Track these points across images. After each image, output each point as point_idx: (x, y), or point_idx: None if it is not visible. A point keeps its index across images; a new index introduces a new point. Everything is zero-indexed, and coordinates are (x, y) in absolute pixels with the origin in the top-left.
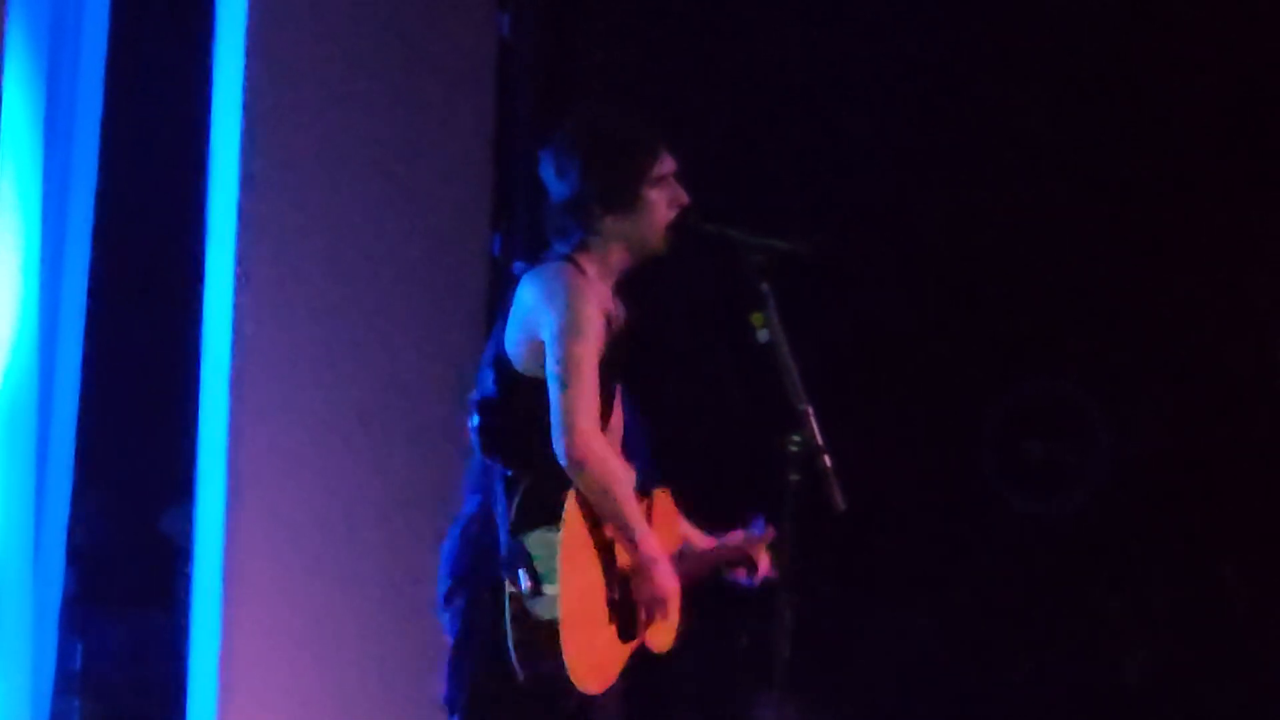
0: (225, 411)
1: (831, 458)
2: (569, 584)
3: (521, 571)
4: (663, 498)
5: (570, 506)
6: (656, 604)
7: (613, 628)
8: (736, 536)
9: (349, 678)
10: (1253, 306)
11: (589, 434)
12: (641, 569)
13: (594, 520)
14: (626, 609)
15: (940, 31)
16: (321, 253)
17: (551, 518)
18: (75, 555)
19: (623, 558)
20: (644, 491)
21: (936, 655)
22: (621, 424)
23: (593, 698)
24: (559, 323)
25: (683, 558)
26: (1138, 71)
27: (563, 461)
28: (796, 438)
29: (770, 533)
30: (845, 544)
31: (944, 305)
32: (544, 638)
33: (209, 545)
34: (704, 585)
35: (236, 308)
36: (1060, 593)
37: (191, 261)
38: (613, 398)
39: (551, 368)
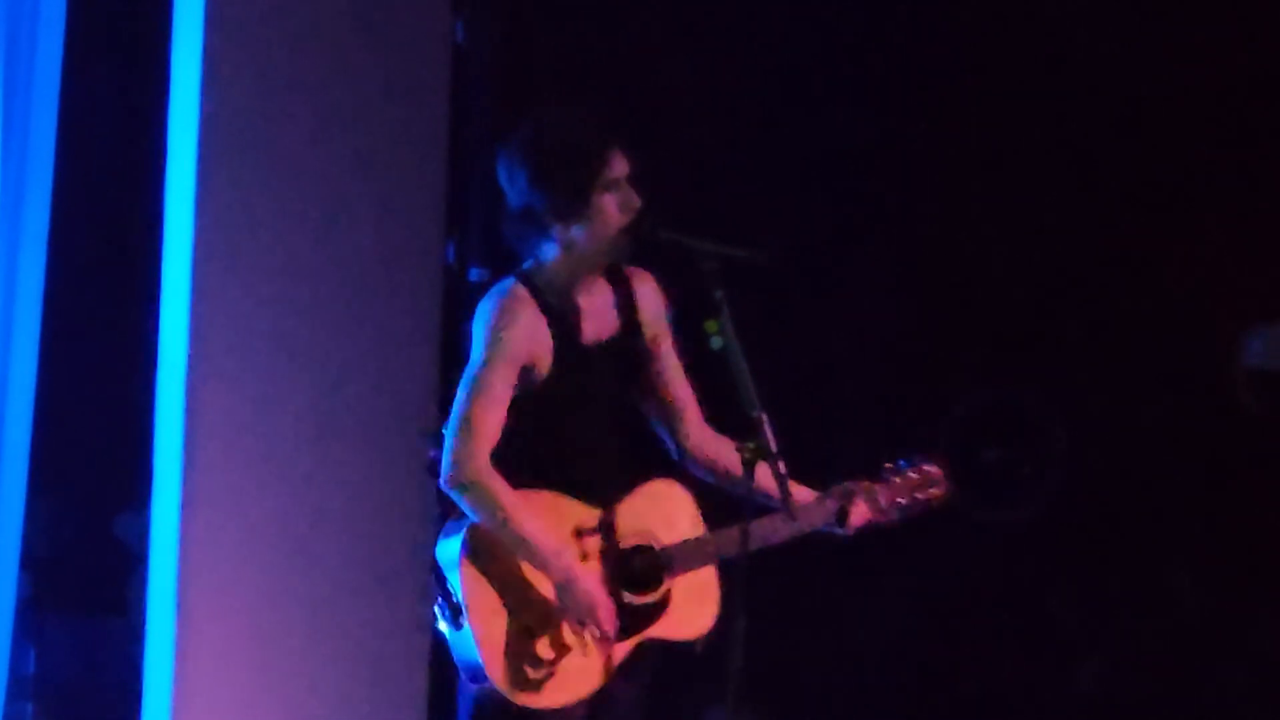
0: (181, 417)
1: (785, 465)
2: (486, 608)
3: (441, 605)
4: (665, 488)
5: (475, 529)
6: (586, 617)
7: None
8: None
9: (304, 684)
10: (1209, 316)
11: (468, 462)
12: (561, 587)
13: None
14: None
15: (898, 44)
16: (276, 259)
17: (455, 546)
18: (29, 560)
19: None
20: (602, 500)
21: (890, 664)
22: (599, 436)
23: (586, 704)
24: (475, 353)
25: (714, 540)
26: (1097, 85)
27: (444, 488)
28: (750, 445)
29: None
30: (798, 552)
31: (901, 313)
32: (474, 668)
33: (164, 551)
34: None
35: (192, 313)
36: (1014, 601)
37: (147, 267)
38: (586, 409)
39: (456, 397)
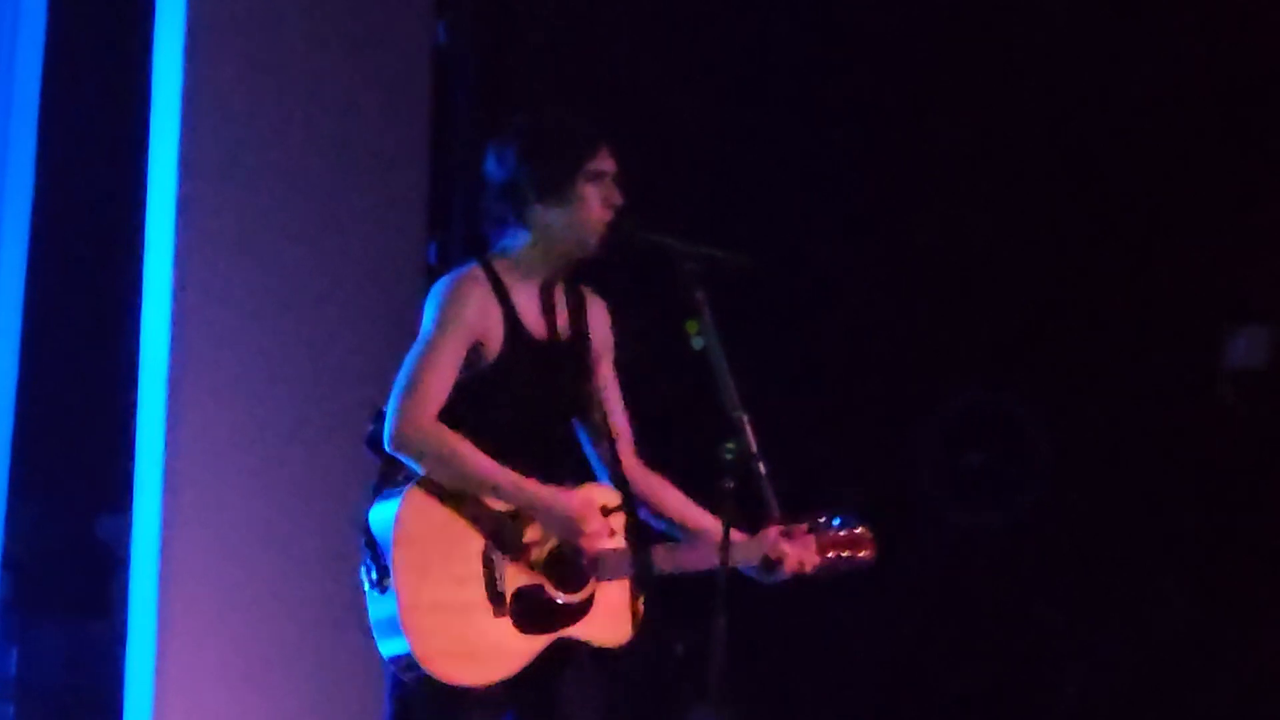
0: (162, 419)
1: (766, 465)
2: (414, 574)
3: (367, 563)
4: (607, 494)
5: (412, 495)
6: (574, 534)
7: (504, 620)
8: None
9: (285, 687)
10: (1193, 318)
11: (418, 416)
12: (539, 514)
13: (462, 509)
14: (532, 600)
15: (883, 46)
16: (258, 261)
17: (393, 511)
18: (11, 562)
19: (534, 549)
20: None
21: (873, 668)
22: (545, 427)
23: (503, 688)
24: (424, 326)
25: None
26: (1083, 90)
27: (388, 448)
28: (731, 445)
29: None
30: None
31: (885, 315)
32: (393, 633)
33: (145, 552)
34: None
35: (174, 315)
36: (1000, 607)
37: (129, 269)
38: (537, 398)
39: (403, 363)
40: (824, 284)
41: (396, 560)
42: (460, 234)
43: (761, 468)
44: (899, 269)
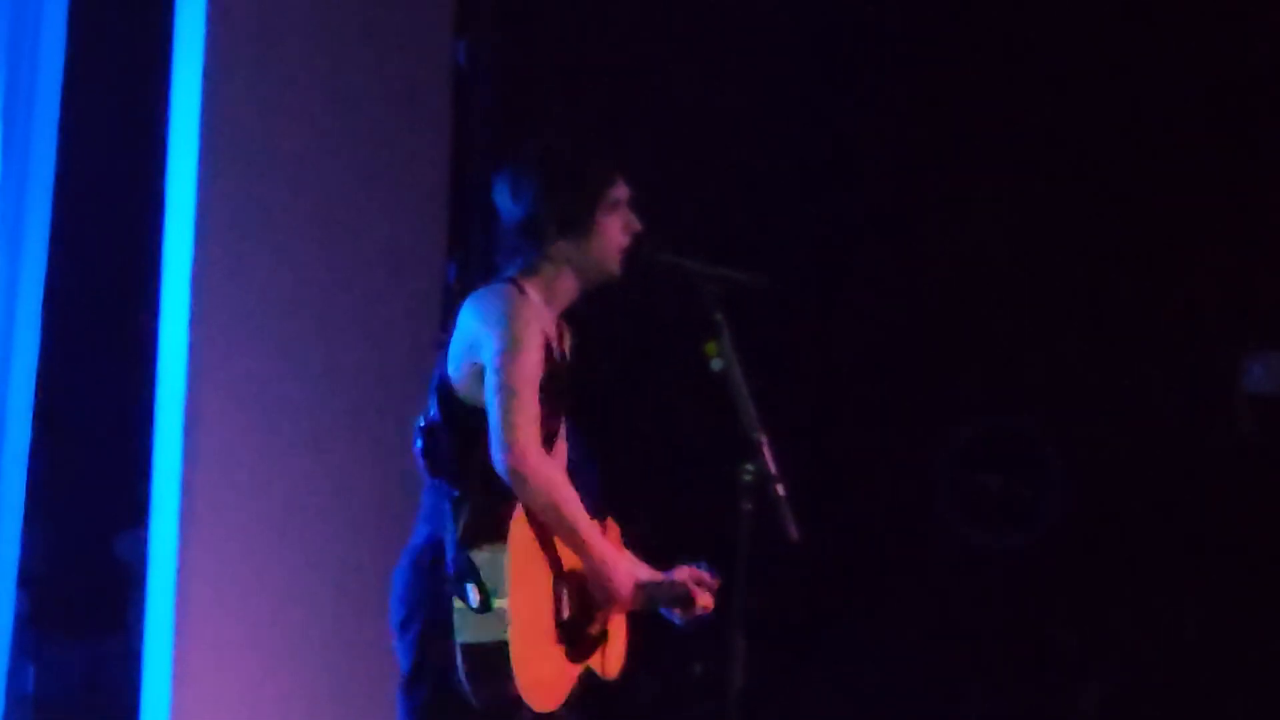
0: (179, 435)
1: (785, 487)
2: (517, 599)
3: (469, 586)
4: (611, 528)
5: (517, 522)
6: (613, 605)
7: (561, 648)
8: (682, 573)
9: (303, 703)
10: (1211, 343)
11: (527, 447)
12: (596, 572)
13: (542, 537)
14: (576, 630)
15: (902, 70)
16: (278, 280)
17: (498, 534)
18: (28, 578)
19: (573, 576)
20: (597, 519)
21: (891, 687)
22: (566, 455)
23: (545, 716)
24: (498, 343)
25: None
26: (1097, 110)
27: (503, 476)
28: (750, 467)
29: (712, 578)
30: (799, 575)
31: (902, 338)
32: (494, 654)
33: (162, 569)
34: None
35: (191, 333)
36: (1015, 626)
37: (147, 285)
38: (555, 426)
39: (491, 385)
40: (842, 307)
41: (514, 578)
42: (479, 254)
43: (780, 489)
44: (916, 292)
